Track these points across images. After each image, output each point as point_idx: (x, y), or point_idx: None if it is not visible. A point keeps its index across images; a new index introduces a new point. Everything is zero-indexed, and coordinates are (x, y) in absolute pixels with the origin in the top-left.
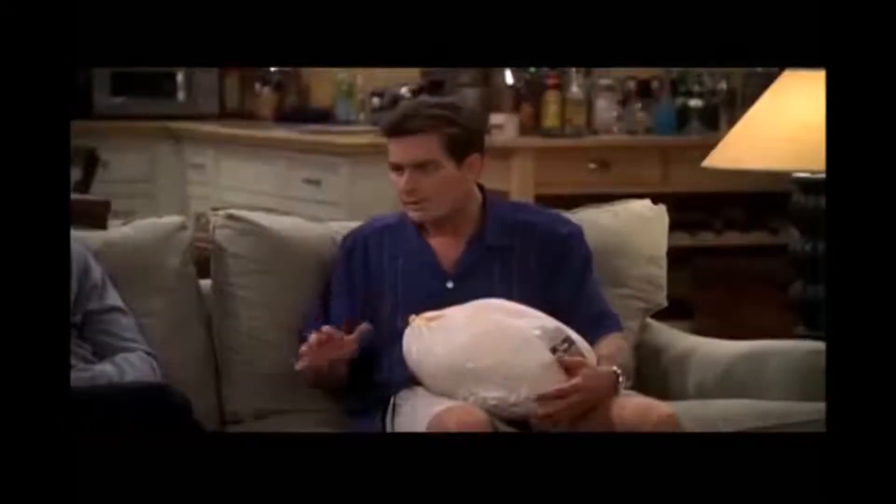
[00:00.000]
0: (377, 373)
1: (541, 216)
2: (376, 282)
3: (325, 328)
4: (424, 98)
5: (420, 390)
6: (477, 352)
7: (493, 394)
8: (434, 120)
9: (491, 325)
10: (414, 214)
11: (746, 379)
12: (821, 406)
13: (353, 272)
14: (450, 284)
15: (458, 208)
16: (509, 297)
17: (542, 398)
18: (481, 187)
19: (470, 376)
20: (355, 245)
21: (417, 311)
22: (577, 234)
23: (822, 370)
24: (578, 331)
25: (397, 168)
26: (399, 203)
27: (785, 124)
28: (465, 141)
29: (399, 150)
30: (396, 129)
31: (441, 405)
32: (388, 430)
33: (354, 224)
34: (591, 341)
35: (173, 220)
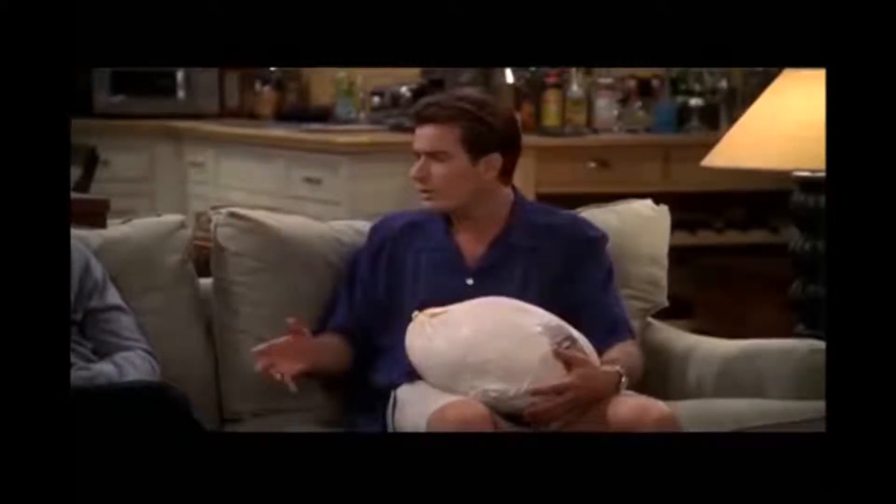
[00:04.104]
0: (382, 366)
1: (569, 219)
2: (398, 276)
3: (293, 332)
4: (457, 90)
5: (421, 384)
6: (478, 346)
7: (494, 386)
8: (455, 111)
9: (493, 321)
10: (424, 203)
11: (746, 378)
12: (820, 405)
13: (376, 270)
14: (470, 281)
15: (474, 205)
16: (527, 297)
17: (538, 393)
18: (514, 188)
19: (471, 370)
20: (384, 242)
21: (435, 306)
22: (601, 239)
23: (822, 369)
24: (592, 336)
25: (416, 155)
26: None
27: (784, 123)
28: (485, 138)
29: (418, 136)
30: (418, 117)
31: (442, 399)
32: (390, 424)
33: (356, 223)
34: (602, 347)
35: (172, 218)
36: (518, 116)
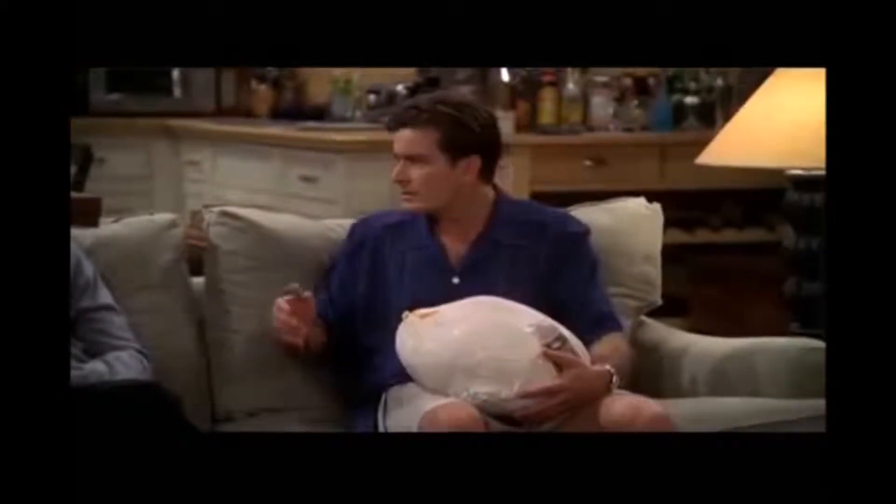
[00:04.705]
0: (373, 367)
1: (552, 216)
2: (382, 276)
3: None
4: (437, 93)
5: (412, 386)
6: (469, 347)
7: (484, 388)
8: (433, 115)
9: (484, 321)
10: (405, 204)
11: (740, 376)
12: (815, 403)
13: (356, 268)
14: (455, 280)
15: (455, 205)
16: (514, 294)
17: (529, 395)
18: (496, 186)
19: (462, 371)
20: (365, 240)
21: (422, 306)
22: (585, 234)
23: (817, 367)
24: (579, 331)
25: (397, 157)
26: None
27: (777, 121)
28: (464, 141)
29: (398, 140)
30: (398, 120)
31: (433, 401)
32: (380, 425)
33: (349, 222)
34: (591, 342)
35: (164, 217)
36: (511, 116)
